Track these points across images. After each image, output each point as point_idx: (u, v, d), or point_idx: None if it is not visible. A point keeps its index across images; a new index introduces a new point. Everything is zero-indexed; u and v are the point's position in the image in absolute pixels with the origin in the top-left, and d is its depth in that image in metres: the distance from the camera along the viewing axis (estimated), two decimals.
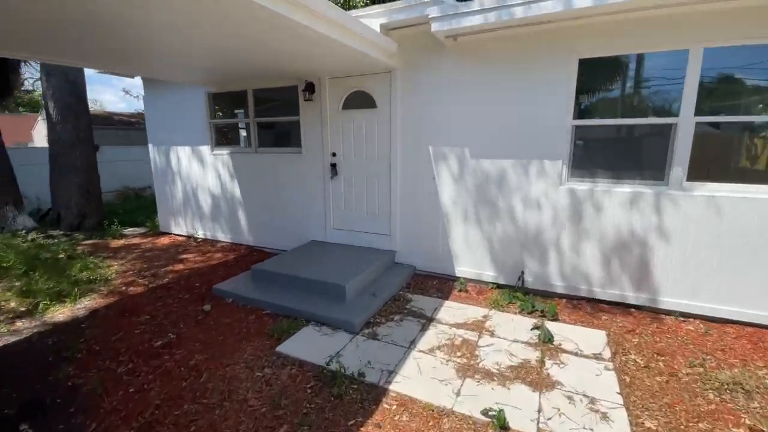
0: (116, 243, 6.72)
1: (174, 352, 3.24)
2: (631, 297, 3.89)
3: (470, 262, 4.57)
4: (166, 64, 4.59)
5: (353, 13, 4.23)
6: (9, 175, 6.71)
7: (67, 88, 6.85)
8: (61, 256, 5.71)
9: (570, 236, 4.03)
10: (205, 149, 6.42)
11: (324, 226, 5.48)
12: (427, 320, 3.70)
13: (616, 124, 3.82)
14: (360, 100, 4.92)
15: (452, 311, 3.89)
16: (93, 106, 25.37)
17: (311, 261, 4.64)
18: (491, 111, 4.15)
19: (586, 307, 3.98)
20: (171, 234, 7.27)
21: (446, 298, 4.24)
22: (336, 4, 13.68)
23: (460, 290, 4.42)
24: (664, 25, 3.34)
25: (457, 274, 4.66)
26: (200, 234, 6.86)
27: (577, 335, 3.38)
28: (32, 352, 3.29)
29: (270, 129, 5.98)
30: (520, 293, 4.11)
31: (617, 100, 3.83)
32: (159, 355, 3.21)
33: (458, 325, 3.59)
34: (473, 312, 3.88)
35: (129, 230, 7.46)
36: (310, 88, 5.11)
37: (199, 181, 6.65)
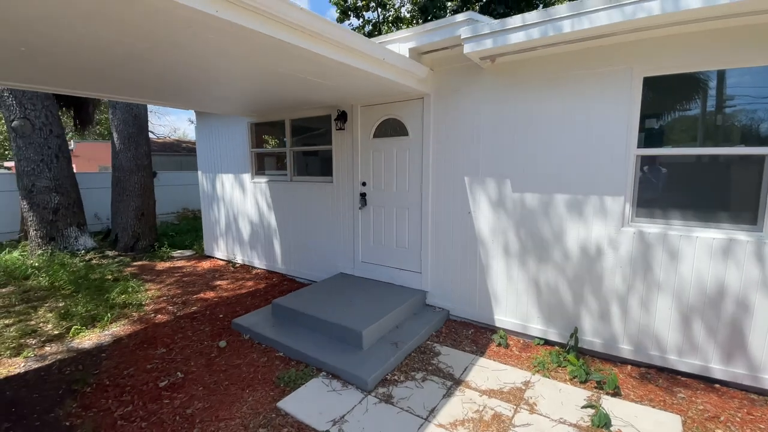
0: (162, 265, 6.99)
1: (175, 396, 3.04)
2: (718, 370, 3.03)
3: (513, 310, 3.95)
4: (212, 99, 4.75)
5: (379, 39, 4.01)
6: (76, 199, 7.36)
7: (130, 120, 7.46)
8: (108, 277, 6.00)
9: (637, 288, 3.29)
10: (246, 177, 6.53)
11: (352, 259, 5.18)
12: (454, 383, 3.15)
13: (693, 154, 3.10)
14: (391, 128, 4.64)
15: (486, 372, 3.30)
16: (171, 135, 28.20)
17: (332, 298, 4.31)
18: (536, 139, 3.63)
19: (657, 378, 3.17)
20: (213, 258, 7.44)
21: (481, 353, 3.65)
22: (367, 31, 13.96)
23: (500, 344, 3.79)
24: (755, 35, 2.66)
25: (497, 324, 4.05)
26: (238, 259, 6.91)
27: (643, 420, 2.64)
28: (48, 381, 3.28)
29: (306, 158, 5.92)
30: (572, 355, 3.41)
31: (693, 124, 3.12)
32: (160, 397, 3.02)
33: (491, 393, 2.99)
34: (512, 375, 3.26)
35: (177, 252, 7.77)
36: (342, 117, 4.96)
37: (240, 207, 6.75)
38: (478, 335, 4.02)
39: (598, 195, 3.37)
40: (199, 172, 7.42)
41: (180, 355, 3.70)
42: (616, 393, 2.99)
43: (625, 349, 3.39)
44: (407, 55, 3.77)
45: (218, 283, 5.96)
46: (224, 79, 3.71)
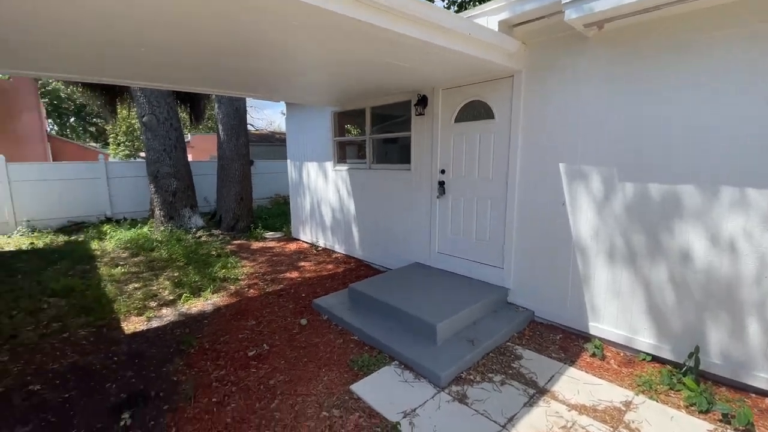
0: (256, 245, 7.70)
1: (260, 366, 3.29)
2: None
3: (613, 317, 3.44)
4: (299, 90, 5.01)
5: (465, 14, 3.71)
6: (189, 184, 8.46)
7: (233, 113, 8.26)
8: (212, 253, 6.80)
9: None
10: (329, 165, 6.78)
11: (428, 249, 5.04)
12: (537, 391, 2.86)
13: None
14: (475, 111, 4.33)
15: (577, 385, 2.93)
16: (266, 127, 30.93)
17: (407, 287, 4.24)
18: (654, 118, 3.04)
19: None
20: (299, 240, 7.96)
21: (571, 363, 3.25)
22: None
23: (594, 355, 3.34)
24: None
25: (592, 332, 3.57)
26: (320, 243, 7.28)
27: None
28: (162, 340, 3.82)
29: (384, 146, 5.90)
30: (690, 377, 2.84)
31: None
32: (248, 366, 3.30)
33: (582, 409, 2.64)
34: (609, 392, 2.84)
35: (269, 234, 8.49)
36: (422, 101, 4.79)
37: (323, 194, 7.06)
38: (567, 342, 3.60)
39: (736, 185, 2.70)
40: (288, 161, 7.93)
41: (267, 329, 4.00)
42: (747, 431, 2.40)
43: (764, 378, 2.71)
44: (496, 29, 3.44)
45: (302, 264, 6.34)
46: (309, 70, 3.83)
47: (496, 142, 4.11)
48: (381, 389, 2.87)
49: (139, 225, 9.15)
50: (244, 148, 8.54)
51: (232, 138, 8.32)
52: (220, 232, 8.40)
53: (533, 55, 3.72)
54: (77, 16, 2.26)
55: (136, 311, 4.44)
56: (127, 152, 30.22)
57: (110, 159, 18.80)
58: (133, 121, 31.42)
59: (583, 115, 3.43)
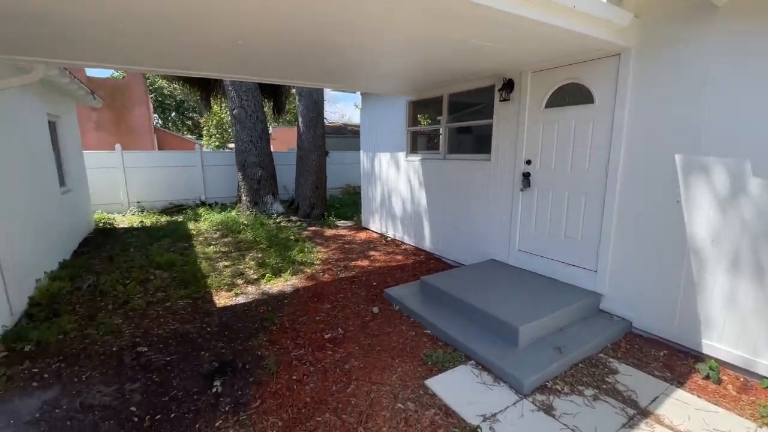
0: (329, 232, 7.98)
1: (336, 349, 3.36)
2: None
3: (733, 336, 2.90)
4: (378, 78, 4.99)
5: None
6: (272, 173, 9.03)
7: (311, 105, 8.60)
8: (291, 238, 7.19)
9: None
10: (401, 155, 6.73)
11: (507, 246, 4.74)
12: (638, 412, 2.51)
13: None
14: (570, 96, 3.92)
15: (686, 410, 2.52)
16: (339, 119, 31.97)
17: (485, 285, 4.03)
18: None
19: None
20: (369, 230, 8.08)
21: (679, 384, 2.81)
22: None
23: (708, 377, 2.86)
24: None
25: (705, 351, 3.06)
26: (390, 234, 7.30)
27: None
28: (248, 315, 4.11)
29: (460, 135, 5.67)
30: None
31: None
32: (324, 348, 3.39)
33: None
34: (727, 422, 2.39)
35: (341, 222, 8.76)
36: (508, 85, 4.48)
37: (393, 184, 7.05)
38: (673, 360, 3.12)
39: None
40: (361, 152, 8.05)
41: (341, 314, 4.10)
42: None
43: None
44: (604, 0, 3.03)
45: (372, 253, 6.41)
46: (391, 57, 3.76)
47: (595, 129, 3.68)
48: (457, 388, 2.75)
49: (228, 209, 10.04)
50: (320, 140, 8.87)
51: (310, 129, 8.68)
52: (297, 218, 8.87)
53: (646, 30, 3.22)
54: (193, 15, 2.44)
55: (225, 287, 4.85)
56: (217, 143, 33.43)
57: (204, 149, 20.81)
58: (222, 116, 34.58)
59: (708, 99, 2.89)
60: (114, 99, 13.70)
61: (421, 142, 6.49)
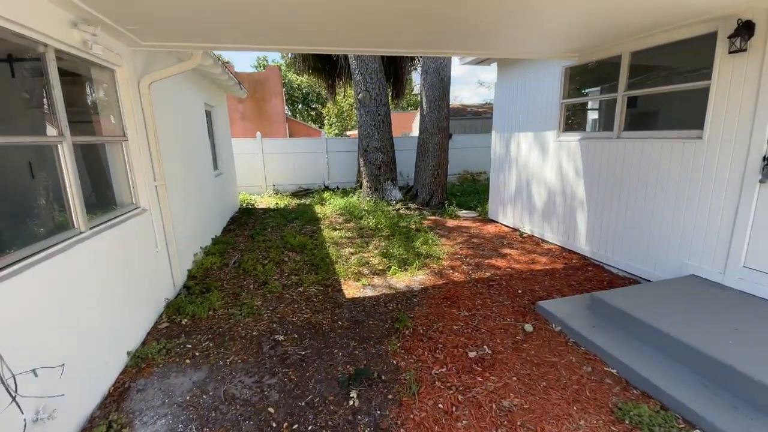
0: (451, 222, 7.33)
1: (486, 375, 2.71)
2: None
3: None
4: (530, 38, 4.02)
5: None
6: (392, 158, 8.72)
7: (437, 84, 7.93)
8: (412, 227, 6.76)
9: None
10: (550, 135, 5.59)
11: (724, 259, 3.37)
12: None
13: None
14: None
15: None
16: (452, 102, 30.75)
17: (700, 315, 2.86)
18: None
19: None
20: (497, 223, 7.15)
21: None
22: None
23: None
24: None
25: None
26: (526, 229, 6.27)
27: None
28: (378, 312, 3.75)
29: (645, 106, 4.31)
30: None
31: None
32: (471, 370, 2.78)
33: None
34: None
35: (462, 212, 8.01)
36: (744, 30, 3.06)
37: (536, 170, 5.97)
38: None
39: None
40: (493, 133, 7.09)
41: (483, 326, 3.42)
42: None
43: None
44: None
45: (507, 251, 5.53)
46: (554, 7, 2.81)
47: None
48: None
49: (349, 194, 10.21)
50: (445, 121, 8.18)
51: (434, 110, 8.05)
52: (415, 206, 8.44)
53: None
54: None
55: (353, 276, 4.62)
56: (336, 132, 35.63)
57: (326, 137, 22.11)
58: (342, 105, 36.65)
59: None
60: (255, 91, 15.28)
61: (578, 118, 5.26)
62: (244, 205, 9.60)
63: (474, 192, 9.99)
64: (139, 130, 3.65)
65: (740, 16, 3.13)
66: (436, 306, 3.84)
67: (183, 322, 3.60)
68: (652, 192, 4.06)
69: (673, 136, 3.80)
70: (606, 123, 4.67)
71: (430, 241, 5.89)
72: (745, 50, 3.13)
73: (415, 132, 24.26)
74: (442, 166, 8.39)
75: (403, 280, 4.56)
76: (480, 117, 17.12)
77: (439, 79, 7.91)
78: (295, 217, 7.93)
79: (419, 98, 8.40)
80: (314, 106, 43.40)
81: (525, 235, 6.22)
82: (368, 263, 5.10)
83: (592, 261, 4.94)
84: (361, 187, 9.50)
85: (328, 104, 36.22)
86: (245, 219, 7.89)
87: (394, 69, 11.09)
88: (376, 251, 5.57)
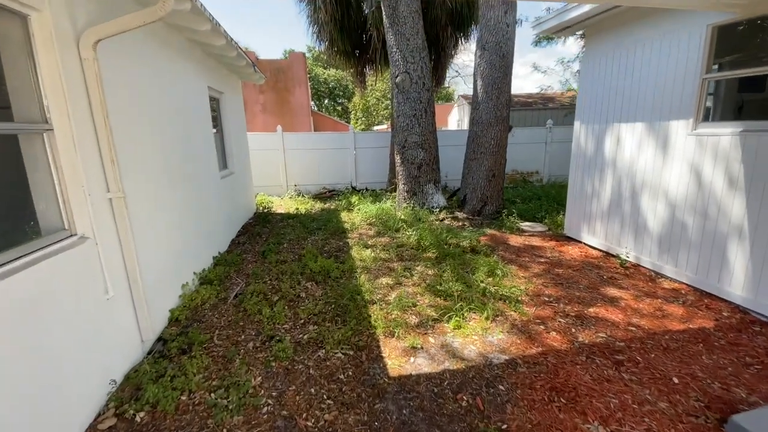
0: (515, 240, 5.72)
1: None
2: None
3: None
4: None
5: None
6: (435, 156, 7.18)
7: (497, 62, 6.31)
8: (464, 245, 5.22)
9: None
10: (678, 126, 3.90)
11: None
12: None
13: None
14: None
15: None
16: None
17: None
18: None
19: None
20: (580, 242, 5.48)
21: None
22: None
23: None
24: None
25: None
26: (629, 256, 4.59)
27: None
28: (443, 408, 2.27)
29: None
30: None
31: None
32: None
33: None
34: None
35: (526, 225, 6.38)
36: None
37: (649, 176, 4.28)
38: None
39: None
40: (577, 123, 5.41)
41: None
42: None
43: None
44: None
45: (613, 292, 3.89)
46: None
47: None
48: None
49: (380, 197, 8.76)
50: (504, 110, 6.55)
51: (492, 96, 6.43)
52: (464, 215, 6.86)
53: None
54: None
55: (396, 329, 3.16)
56: (362, 127, 34.32)
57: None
58: (368, 99, 35.27)
59: None
60: (277, 81, 14.05)
61: (733, 102, 3.54)
62: (261, 208, 8.34)
63: (534, 197, 8.27)
64: (75, 114, 2.32)
65: None
66: (542, 406, 2.32)
67: (137, 419, 2.27)
68: None
69: None
70: None
71: (498, 271, 4.33)
72: None
73: (451, 126, 22.44)
74: (499, 166, 6.76)
75: (471, 340, 3.06)
76: (530, 108, 15.20)
77: (500, 57, 6.27)
78: (317, 227, 6.56)
79: (474, 80, 6.78)
80: (341, 101, 42.37)
81: (628, 264, 4.55)
82: (415, 305, 3.63)
83: (754, 316, 3.26)
84: (394, 189, 8.03)
85: (355, 98, 34.94)
86: (259, 228, 6.60)
87: (435, 50, 9.49)
88: (423, 284, 4.08)
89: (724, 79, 3.79)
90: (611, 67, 4.71)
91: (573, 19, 4.70)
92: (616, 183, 4.75)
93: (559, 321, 3.33)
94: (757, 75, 3.27)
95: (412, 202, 7.06)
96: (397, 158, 7.21)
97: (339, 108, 41.69)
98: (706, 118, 3.67)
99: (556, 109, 15.03)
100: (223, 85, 6.12)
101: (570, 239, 5.63)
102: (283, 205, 8.89)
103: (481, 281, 4.09)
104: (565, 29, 5.13)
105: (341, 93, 42.07)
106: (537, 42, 11.35)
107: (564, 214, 6.07)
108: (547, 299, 3.75)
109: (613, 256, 4.81)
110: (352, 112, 36.54)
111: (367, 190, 10.28)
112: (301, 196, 9.91)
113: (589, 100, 5.13)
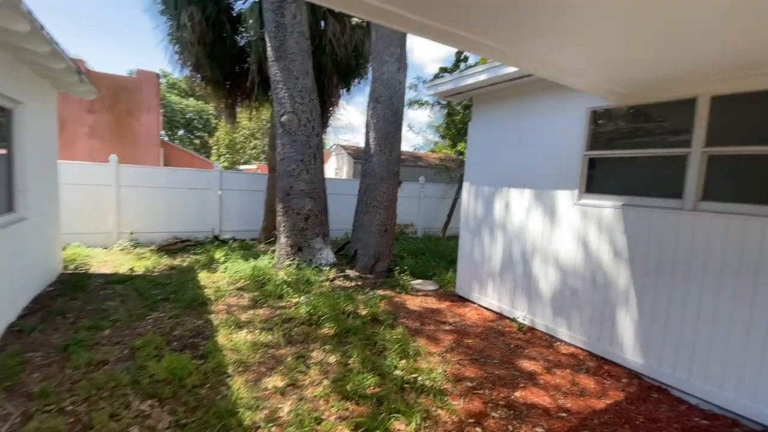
0: (412, 303, 5.27)
1: None
2: None
3: None
4: (582, 54, 2.47)
5: None
6: (325, 206, 6.44)
7: (390, 116, 6.18)
8: (364, 314, 4.47)
9: None
10: (564, 195, 4.17)
11: None
12: None
13: None
14: None
15: None
16: (359, 144, 29.84)
17: None
18: None
19: None
20: (471, 302, 5.37)
21: None
22: None
23: None
24: None
25: None
26: (523, 318, 4.59)
27: None
28: None
29: (740, 166, 3.13)
30: None
31: None
32: None
33: None
34: None
35: (417, 283, 6.06)
36: None
37: (539, 241, 4.45)
38: None
39: None
40: (466, 184, 5.51)
41: None
42: None
43: None
44: None
45: (526, 365, 3.67)
46: None
47: None
48: None
49: (254, 251, 7.34)
50: (396, 164, 6.37)
51: (385, 149, 6.18)
52: (356, 273, 6.17)
53: None
54: None
55: None
56: (226, 164, 31.31)
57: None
58: (236, 135, 32.68)
59: None
60: (117, 101, 11.31)
61: (613, 177, 3.93)
62: (72, 267, 5.93)
63: (419, 252, 8.20)
64: None
65: None
66: None
67: None
68: (747, 290, 2.74)
69: None
70: (668, 186, 3.39)
71: (410, 350, 3.67)
72: None
73: (329, 175, 22.16)
74: (390, 221, 6.43)
75: None
76: (404, 164, 16.05)
77: (393, 112, 6.16)
78: (163, 296, 4.84)
79: (366, 133, 6.45)
80: (199, 134, 38.33)
81: (525, 327, 4.52)
82: (320, 420, 2.61)
83: (648, 381, 3.42)
84: (269, 239, 6.86)
85: (219, 132, 31.91)
86: (64, 301, 4.49)
87: (320, 97, 9.07)
88: (326, 382, 3.09)
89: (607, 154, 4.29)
90: (501, 132, 4.96)
91: (467, 86, 4.85)
92: (507, 246, 4.85)
93: (493, 416, 2.82)
94: (630, 156, 3.72)
95: (296, 258, 6.01)
96: (280, 207, 6.16)
97: (197, 141, 37.49)
98: (589, 190, 4.01)
99: (425, 168, 16.41)
100: (20, 92, 4.18)
101: (463, 299, 5.50)
102: (109, 261, 6.57)
103: (395, 366, 3.36)
104: (457, 94, 5.29)
105: (201, 126, 38.14)
106: (409, 104, 12.22)
107: (452, 272, 6.02)
108: (470, 384, 3.24)
109: (508, 318, 4.78)
110: (215, 148, 33.12)
111: (235, 240, 8.66)
112: (139, 247, 7.63)
113: (479, 162, 5.30)
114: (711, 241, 3.04)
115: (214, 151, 32.84)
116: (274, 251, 6.72)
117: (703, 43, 2.34)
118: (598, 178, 3.98)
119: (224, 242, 8.39)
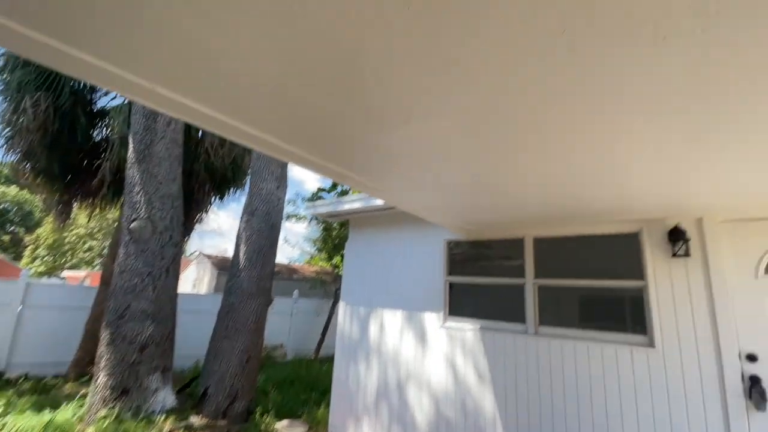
0: None
1: None
2: None
3: None
4: (415, 192, 2.99)
5: None
6: (171, 332, 5.29)
7: (266, 231, 5.94)
8: None
9: None
10: (432, 318, 4.37)
11: None
12: None
13: None
14: None
15: None
16: (221, 253, 27.39)
17: None
18: None
19: None
20: None
21: None
22: None
23: None
24: None
25: None
26: None
27: None
28: None
29: (565, 298, 3.79)
30: None
31: None
32: None
33: None
34: None
35: (283, 425, 5.11)
36: (677, 236, 3.01)
37: (413, 366, 4.39)
38: None
39: None
40: (342, 304, 5.36)
41: None
42: None
43: None
44: None
45: None
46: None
47: None
48: None
49: (55, 396, 5.27)
50: (268, 281, 5.90)
51: (256, 264, 5.73)
52: (203, 420, 4.88)
53: None
54: None
55: None
56: (43, 268, 24.80)
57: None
58: (65, 235, 26.87)
59: None
60: None
61: (472, 302, 4.32)
62: None
63: (287, 381, 7.16)
64: None
65: (667, 221, 3.12)
66: None
67: None
68: (598, 417, 3.11)
69: (618, 341, 3.20)
70: (515, 312, 3.87)
71: None
72: (687, 255, 3.00)
73: (186, 289, 19.10)
74: (256, 348, 5.58)
75: None
76: (276, 277, 15.17)
77: (270, 226, 5.95)
78: None
79: (236, 245, 5.94)
80: (12, 228, 30.58)
81: None
82: None
83: None
84: (83, 377, 5.09)
85: (42, 229, 25.76)
86: None
87: (188, 202, 8.37)
88: None
89: (464, 283, 4.75)
90: (375, 256, 5.17)
91: (344, 211, 5.12)
92: (383, 371, 4.64)
93: None
94: (483, 283, 4.22)
95: (119, 405, 4.50)
96: (105, 334, 4.80)
97: (6, 238, 29.48)
98: (452, 313, 4.29)
99: (300, 281, 15.80)
100: None
101: None
102: None
103: None
104: (334, 216, 5.52)
105: (18, 219, 30.67)
106: (287, 218, 12.27)
107: (325, 406, 5.35)
108: None
109: None
110: (30, 247, 26.20)
111: (27, 379, 6.20)
112: None
113: (354, 282, 5.31)
114: (553, 362, 3.44)
115: (27, 252, 25.97)
116: (86, 395, 4.97)
117: (526, 199, 3.01)
118: (458, 302, 4.34)
119: (13, 382, 5.92)
